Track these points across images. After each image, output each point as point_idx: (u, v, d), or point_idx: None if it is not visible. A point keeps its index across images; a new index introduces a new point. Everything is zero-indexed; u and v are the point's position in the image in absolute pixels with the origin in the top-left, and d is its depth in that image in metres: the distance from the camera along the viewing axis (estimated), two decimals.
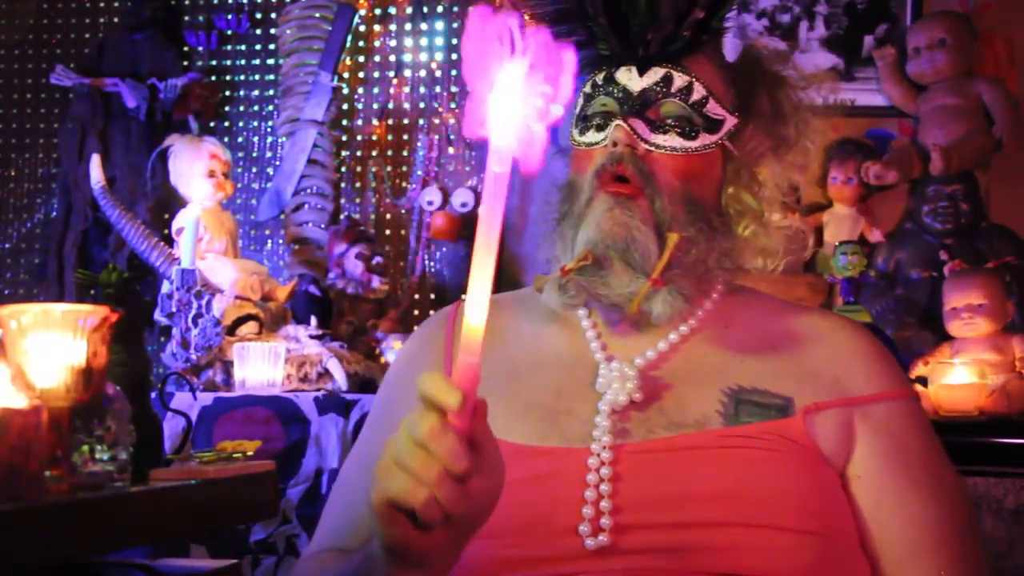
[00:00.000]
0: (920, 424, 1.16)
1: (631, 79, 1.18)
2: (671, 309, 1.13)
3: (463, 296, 1.30)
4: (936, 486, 1.13)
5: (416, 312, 3.73)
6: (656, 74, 1.17)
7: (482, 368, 0.96)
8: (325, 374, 2.92)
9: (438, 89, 3.79)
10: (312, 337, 3.01)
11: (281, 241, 3.77)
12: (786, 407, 1.10)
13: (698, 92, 1.17)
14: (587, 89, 1.21)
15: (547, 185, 1.24)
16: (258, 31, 3.92)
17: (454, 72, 3.80)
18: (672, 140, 1.16)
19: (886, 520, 1.11)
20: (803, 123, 1.22)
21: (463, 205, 3.68)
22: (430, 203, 3.71)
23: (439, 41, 3.82)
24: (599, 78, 1.20)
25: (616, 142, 1.15)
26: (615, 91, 1.18)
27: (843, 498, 1.11)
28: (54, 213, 3.83)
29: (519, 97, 0.83)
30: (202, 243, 3.09)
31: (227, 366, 2.86)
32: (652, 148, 1.15)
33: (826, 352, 1.16)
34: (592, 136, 1.19)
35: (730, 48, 1.24)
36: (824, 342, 1.17)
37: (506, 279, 3.52)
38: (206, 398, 2.71)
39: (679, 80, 1.17)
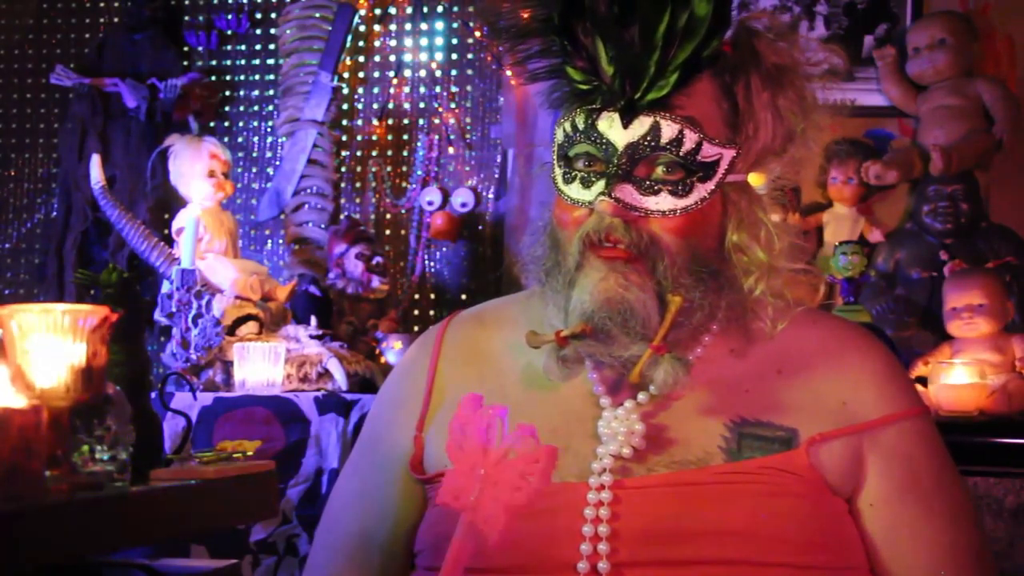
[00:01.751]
0: (931, 444, 1.14)
1: (614, 129, 1.06)
2: (673, 380, 1.07)
3: (456, 311, 1.30)
4: (950, 509, 1.11)
5: (416, 312, 3.73)
6: (642, 125, 1.06)
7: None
8: (325, 374, 2.92)
9: (438, 89, 3.79)
10: (312, 337, 3.01)
11: (281, 241, 3.77)
12: (790, 439, 1.07)
13: (690, 140, 1.06)
14: (567, 127, 1.10)
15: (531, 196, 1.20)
16: (258, 31, 3.92)
17: (454, 72, 3.80)
18: (664, 202, 1.06)
19: (901, 547, 1.09)
20: (807, 117, 1.14)
21: (463, 205, 3.68)
22: (430, 203, 3.71)
23: (439, 41, 3.82)
24: (579, 121, 1.08)
25: (603, 212, 1.06)
26: (598, 141, 1.07)
27: (851, 527, 1.09)
28: (54, 213, 3.83)
29: (495, 482, 0.88)
30: (202, 243, 3.08)
31: (227, 366, 2.86)
32: (644, 214, 1.06)
33: (833, 374, 1.12)
34: (576, 191, 1.09)
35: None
36: (832, 363, 1.13)
37: (507, 280, 3.52)
38: (206, 398, 2.71)
39: (668, 130, 1.06)
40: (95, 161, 3.18)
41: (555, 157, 1.13)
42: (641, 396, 1.11)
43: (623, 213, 1.06)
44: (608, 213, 1.06)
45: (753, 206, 1.12)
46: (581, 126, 1.09)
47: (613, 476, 1.06)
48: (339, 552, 1.21)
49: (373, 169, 3.81)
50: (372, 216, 3.79)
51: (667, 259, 1.07)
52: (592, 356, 1.11)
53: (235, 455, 1.42)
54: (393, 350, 3.23)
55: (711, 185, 1.08)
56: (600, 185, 1.07)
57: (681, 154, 1.06)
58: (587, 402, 1.12)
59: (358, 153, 3.83)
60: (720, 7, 1.05)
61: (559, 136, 1.12)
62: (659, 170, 1.07)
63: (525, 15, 1.12)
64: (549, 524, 1.04)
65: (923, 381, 2.72)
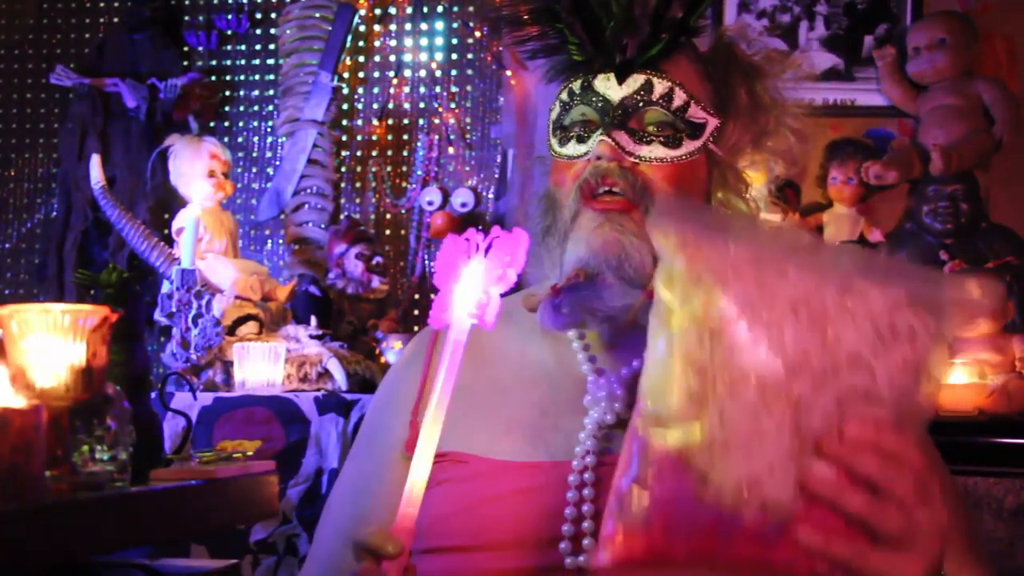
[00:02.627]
0: None
1: (610, 88, 1.15)
2: None
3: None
4: (941, 491, 1.12)
5: (416, 312, 3.73)
6: (636, 81, 1.14)
7: (467, 383, 1.03)
8: (325, 374, 2.92)
9: (438, 89, 3.79)
10: (312, 337, 3.01)
11: (281, 241, 3.77)
12: None
13: (679, 97, 1.15)
14: (564, 96, 1.18)
15: (530, 195, 1.24)
16: (258, 31, 3.93)
17: (454, 72, 3.80)
18: (656, 150, 1.14)
19: None
20: (781, 110, 1.20)
21: (463, 205, 3.68)
22: (430, 203, 3.71)
23: (439, 41, 3.82)
24: (576, 86, 1.17)
25: (601, 156, 1.12)
26: (595, 100, 1.15)
27: None
28: (54, 213, 3.83)
29: (479, 278, 0.96)
30: (202, 243, 3.09)
31: (227, 366, 2.86)
32: (637, 160, 1.13)
33: None
34: (573, 148, 1.16)
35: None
36: None
37: None
38: (206, 398, 2.71)
39: (660, 86, 1.14)
40: (95, 161, 3.19)
41: (550, 132, 1.20)
42: (625, 370, 1.13)
43: (619, 156, 1.12)
44: (606, 155, 1.12)
45: (737, 175, 1.20)
46: (578, 90, 1.17)
47: (600, 444, 1.08)
48: (336, 535, 1.23)
49: (373, 169, 3.81)
50: (372, 216, 3.79)
51: None
52: (588, 308, 1.13)
53: (235, 455, 1.43)
54: (393, 350, 3.23)
55: (699, 143, 1.16)
56: (596, 135, 1.14)
57: (671, 109, 1.14)
58: (576, 381, 1.15)
59: (358, 153, 3.84)
60: None
61: (555, 112, 1.19)
62: (651, 128, 1.15)
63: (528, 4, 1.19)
64: (534, 502, 1.06)
65: None
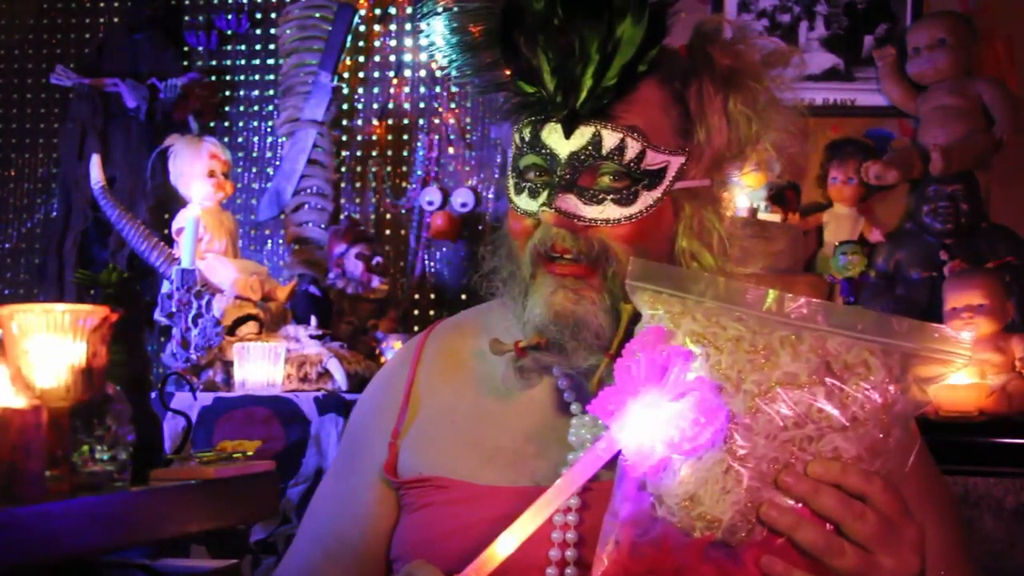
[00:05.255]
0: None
1: (558, 141, 1.06)
2: None
3: (439, 320, 1.31)
4: (932, 503, 1.09)
5: (416, 312, 3.73)
6: (584, 135, 1.06)
7: (452, 408, 1.04)
8: (325, 374, 2.92)
9: (438, 89, 3.79)
10: (312, 337, 3.01)
11: (281, 241, 3.77)
12: None
13: (632, 148, 1.06)
14: (516, 139, 1.11)
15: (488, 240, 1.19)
16: (258, 31, 3.92)
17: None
18: (609, 211, 1.06)
19: None
20: (766, 113, 1.12)
21: (463, 205, 3.68)
22: (430, 203, 3.71)
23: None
24: (526, 133, 1.09)
25: (548, 223, 1.06)
26: (543, 153, 1.08)
27: None
28: (54, 213, 3.83)
29: (655, 420, 0.89)
30: (202, 243, 3.08)
31: (227, 366, 2.86)
32: (589, 223, 1.07)
33: None
34: (526, 201, 1.10)
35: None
36: None
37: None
38: (206, 398, 2.71)
39: (610, 139, 1.05)
40: (95, 161, 3.18)
41: (510, 168, 1.14)
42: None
43: (567, 223, 1.06)
44: (551, 224, 1.07)
45: (705, 212, 1.12)
46: (528, 138, 1.09)
47: None
48: (317, 544, 1.23)
49: (373, 169, 3.81)
50: (372, 216, 3.79)
51: (617, 266, 1.06)
52: (552, 366, 1.12)
53: (235, 455, 1.42)
54: (393, 350, 3.23)
55: (657, 193, 1.08)
56: (544, 195, 1.08)
57: (624, 163, 1.06)
58: (560, 409, 1.13)
59: (358, 153, 3.83)
60: (656, 18, 1.05)
61: (513, 148, 1.13)
62: (605, 179, 1.07)
63: (475, 30, 1.13)
64: None
65: None
